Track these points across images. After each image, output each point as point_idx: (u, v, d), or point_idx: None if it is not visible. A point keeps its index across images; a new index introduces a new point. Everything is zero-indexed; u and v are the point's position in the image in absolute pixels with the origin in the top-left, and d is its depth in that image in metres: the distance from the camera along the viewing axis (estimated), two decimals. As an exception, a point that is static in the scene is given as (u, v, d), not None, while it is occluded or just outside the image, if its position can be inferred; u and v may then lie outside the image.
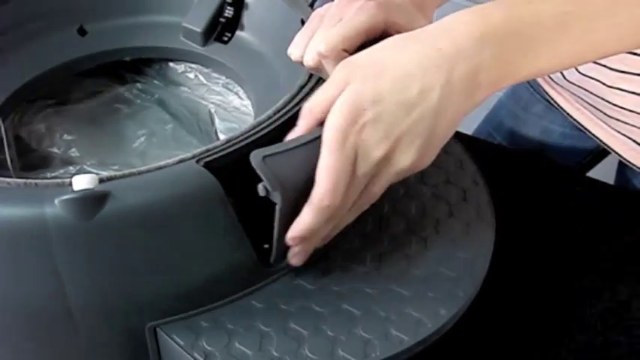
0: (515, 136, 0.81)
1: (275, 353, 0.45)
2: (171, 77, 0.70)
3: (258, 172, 0.44)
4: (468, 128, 0.84)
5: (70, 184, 0.45)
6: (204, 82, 0.68)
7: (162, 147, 0.68)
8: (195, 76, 0.68)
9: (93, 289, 0.46)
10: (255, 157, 0.44)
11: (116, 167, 0.66)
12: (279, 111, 0.51)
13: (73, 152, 0.67)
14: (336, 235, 0.50)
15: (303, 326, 0.47)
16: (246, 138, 0.48)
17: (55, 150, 0.67)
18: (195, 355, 0.45)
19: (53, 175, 0.64)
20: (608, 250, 0.64)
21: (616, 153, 0.73)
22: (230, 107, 0.67)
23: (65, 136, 0.67)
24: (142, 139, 0.69)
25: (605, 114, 0.70)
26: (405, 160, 0.44)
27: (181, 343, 0.46)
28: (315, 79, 0.53)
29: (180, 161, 0.47)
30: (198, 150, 0.47)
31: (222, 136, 0.66)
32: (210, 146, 0.48)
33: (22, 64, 0.65)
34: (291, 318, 0.47)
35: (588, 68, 0.69)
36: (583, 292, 0.61)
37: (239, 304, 0.48)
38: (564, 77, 0.72)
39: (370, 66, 0.43)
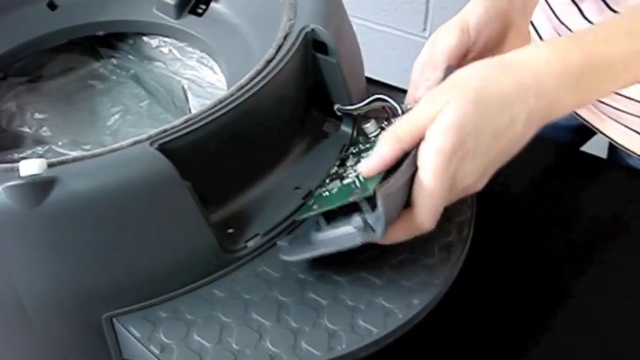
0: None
1: (235, 346, 0.43)
2: (146, 52, 0.67)
3: (381, 209, 0.40)
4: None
5: (18, 169, 0.42)
6: (179, 56, 0.65)
7: (137, 125, 0.65)
8: (170, 50, 0.65)
9: (43, 280, 0.43)
10: (382, 194, 0.41)
11: (88, 147, 0.63)
12: (241, 88, 0.48)
13: (45, 131, 0.64)
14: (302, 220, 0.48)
15: (266, 317, 0.44)
16: (205, 117, 0.45)
17: (26, 129, 0.65)
18: (152, 347, 0.43)
19: (22, 156, 0.61)
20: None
21: (607, 137, 0.69)
22: (204, 82, 0.64)
23: (36, 115, 0.65)
24: (117, 116, 0.66)
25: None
26: (481, 185, 0.45)
27: (137, 334, 0.44)
28: (282, 53, 0.50)
29: (135, 143, 0.44)
30: (154, 131, 0.45)
31: (195, 114, 0.63)
32: (167, 126, 0.45)
33: (-11, 40, 0.63)
34: (254, 308, 0.45)
35: None
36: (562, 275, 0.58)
37: (200, 293, 0.46)
38: None
39: (470, 91, 0.42)
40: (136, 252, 0.44)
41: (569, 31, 0.67)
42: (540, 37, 0.73)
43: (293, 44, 0.50)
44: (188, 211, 0.44)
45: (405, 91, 0.53)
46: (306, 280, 0.46)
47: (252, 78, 0.48)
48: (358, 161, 0.48)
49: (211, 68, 0.64)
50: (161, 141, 0.44)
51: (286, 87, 0.50)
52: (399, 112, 0.50)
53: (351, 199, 0.43)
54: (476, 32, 0.51)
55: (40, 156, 0.61)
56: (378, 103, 0.51)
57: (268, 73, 0.48)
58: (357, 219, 0.42)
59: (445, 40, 0.50)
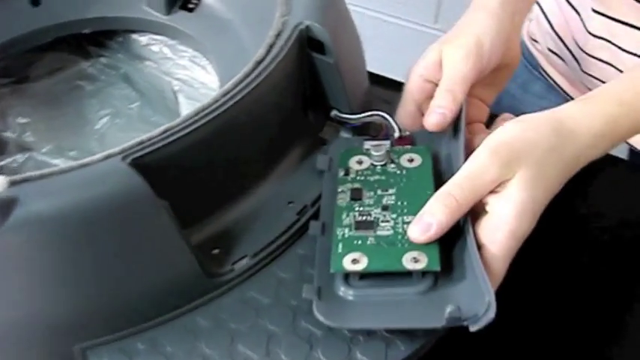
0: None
1: (218, 383, 0.39)
2: (136, 50, 0.63)
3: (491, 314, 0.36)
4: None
5: (-23, 187, 0.38)
6: (170, 55, 0.61)
7: (126, 129, 0.61)
8: (160, 49, 0.61)
9: (6, 308, 0.39)
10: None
11: (74, 153, 0.59)
12: (227, 93, 0.43)
13: (28, 137, 0.60)
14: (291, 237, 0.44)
15: (254, 349, 0.40)
16: (185, 127, 0.41)
17: (9, 134, 0.61)
18: (127, 384, 0.39)
19: (2, 164, 0.57)
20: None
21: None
22: (197, 83, 0.59)
23: (20, 119, 0.61)
24: (105, 119, 0.62)
25: None
26: None
27: (112, 369, 0.40)
28: (274, 53, 0.45)
29: (107, 157, 0.40)
30: (129, 143, 0.40)
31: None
32: (143, 138, 0.41)
33: (-32, 40, 0.59)
34: (240, 339, 0.40)
35: (600, 49, 0.60)
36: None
37: (181, 322, 0.41)
38: (579, 66, 0.64)
39: (535, 164, 0.40)
40: (109, 278, 0.40)
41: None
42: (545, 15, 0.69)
43: (285, 43, 0.46)
44: (165, 232, 0.40)
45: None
46: (298, 308, 0.42)
47: (239, 82, 0.44)
48: (378, 198, 0.43)
49: (204, 68, 0.59)
50: (134, 155, 0.39)
51: (278, 91, 0.46)
52: (396, 133, 0.47)
53: (410, 268, 0.39)
54: (489, 56, 0.47)
55: (20, 164, 0.57)
56: (377, 118, 0.47)
57: (257, 76, 0.44)
58: (452, 309, 0.37)
59: (461, 67, 0.46)
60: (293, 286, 0.42)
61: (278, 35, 0.47)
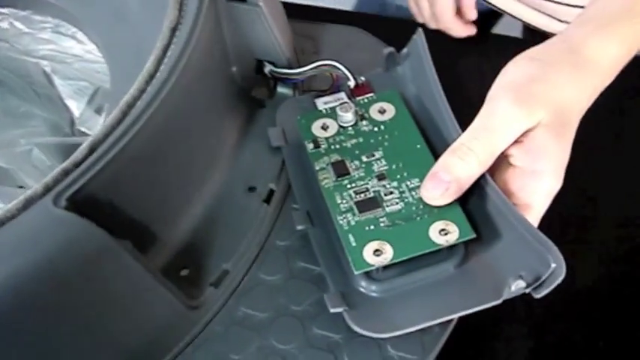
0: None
1: None
2: (-25, 31, 0.50)
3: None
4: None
5: None
6: (26, 29, 0.49)
7: (-7, 130, 0.50)
8: (11, 23, 0.49)
9: None
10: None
11: None
12: (151, 78, 0.34)
13: None
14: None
15: (270, 378, 0.33)
16: (120, 139, 0.32)
17: None
18: None
19: None
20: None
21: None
22: (70, 57, 0.48)
23: None
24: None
25: None
26: None
27: None
28: (191, 15, 0.36)
29: (29, 202, 0.30)
30: (51, 176, 0.31)
31: (70, 103, 0.48)
32: (66, 165, 0.31)
33: None
34: (250, 370, 0.34)
35: None
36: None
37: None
38: None
39: (561, 109, 0.35)
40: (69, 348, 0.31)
41: None
42: None
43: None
44: (135, 278, 0.31)
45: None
46: (304, 314, 0.35)
47: (159, 61, 0.34)
48: (367, 166, 0.36)
49: (74, 37, 0.48)
50: (68, 193, 0.30)
51: (205, 64, 0.37)
52: (352, 82, 0.40)
53: (443, 243, 0.33)
54: None
55: None
56: (326, 68, 0.39)
57: (183, 51, 0.34)
58: (520, 283, 0.31)
59: None
60: (287, 289, 0.36)
61: (184, -12, 0.37)
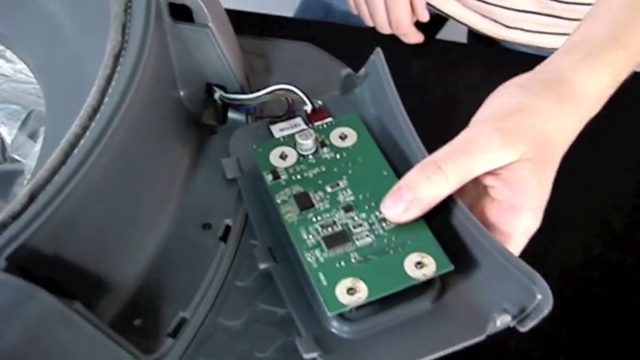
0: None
1: None
2: None
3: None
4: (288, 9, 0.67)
5: None
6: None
7: None
8: None
9: None
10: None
11: None
12: (94, 112, 0.30)
13: None
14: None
15: None
16: (69, 180, 0.28)
17: None
18: None
19: None
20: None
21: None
22: (-2, 79, 0.44)
23: None
24: None
25: None
26: None
27: None
28: (137, 36, 0.33)
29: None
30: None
31: (2, 132, 0.44)
32: (3, 218, 0.28)
33: None
34: None
35: None
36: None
37: None
38: None
39: (544, 144, 0.33)
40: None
41: None
42: None
43: (146, 17, 0.33)
44: (84, 337, 0.28)
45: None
46: (272, 361, 0.33)
47: (102, 93, 0.31)
48: (332, 197, 0.34)
49: (2, 56, 0.44)
50: (7, 252, 0.27)
51: (152, 87, 0.34)
52: (309, 107, 0.37)
53: (421, 277, 0.31)
54: None
55: None
56: (281, 93, 0.37)
57: (130, 80, 0.31)
58: (505, 317, 0.29)
59: None
60: (250, 335, 0.33)
61: (127, 8, 0.34)
